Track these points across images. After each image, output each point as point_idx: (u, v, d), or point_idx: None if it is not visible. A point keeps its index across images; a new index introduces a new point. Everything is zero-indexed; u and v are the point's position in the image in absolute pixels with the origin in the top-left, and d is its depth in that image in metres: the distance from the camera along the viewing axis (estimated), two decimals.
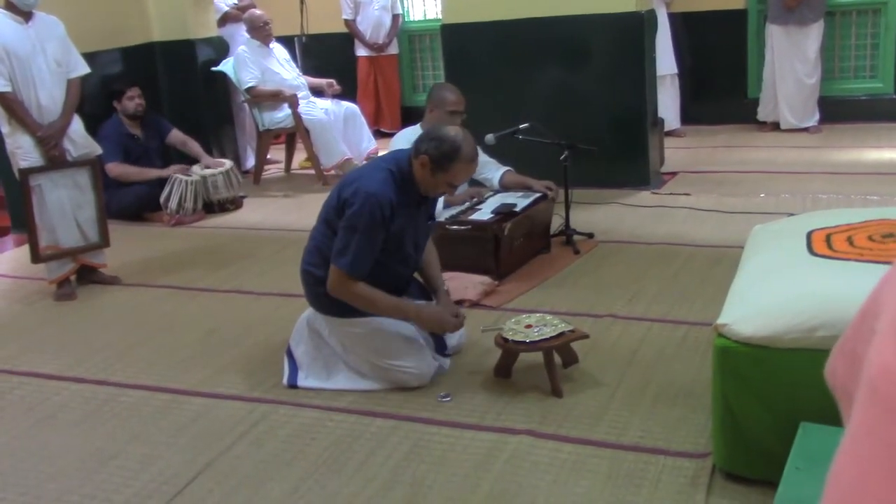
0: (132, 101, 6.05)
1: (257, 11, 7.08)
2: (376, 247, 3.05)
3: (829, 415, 2.07)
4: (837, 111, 7.51)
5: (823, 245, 2.57)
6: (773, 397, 2.29)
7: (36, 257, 4.50)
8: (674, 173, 6.30)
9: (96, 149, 4.69)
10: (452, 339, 3.40)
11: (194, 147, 6.32)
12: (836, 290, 2.25)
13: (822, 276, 2.36)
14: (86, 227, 4.60)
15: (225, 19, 7.51)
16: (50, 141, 4.34)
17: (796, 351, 2.23)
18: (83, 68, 4.54)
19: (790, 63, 7.27)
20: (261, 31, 6.95)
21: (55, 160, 4.39)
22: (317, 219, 3.24)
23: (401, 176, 3.09)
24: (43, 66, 4.32)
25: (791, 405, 2.24)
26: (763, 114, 7.60)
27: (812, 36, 7.20)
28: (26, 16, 4.32)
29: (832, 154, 6.61)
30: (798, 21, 7.15)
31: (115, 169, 5.94)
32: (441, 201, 4.45)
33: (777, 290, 2.39)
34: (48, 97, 4.35)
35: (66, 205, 4.49)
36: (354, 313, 3.15)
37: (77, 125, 4.53)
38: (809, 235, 2.68)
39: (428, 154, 3.04)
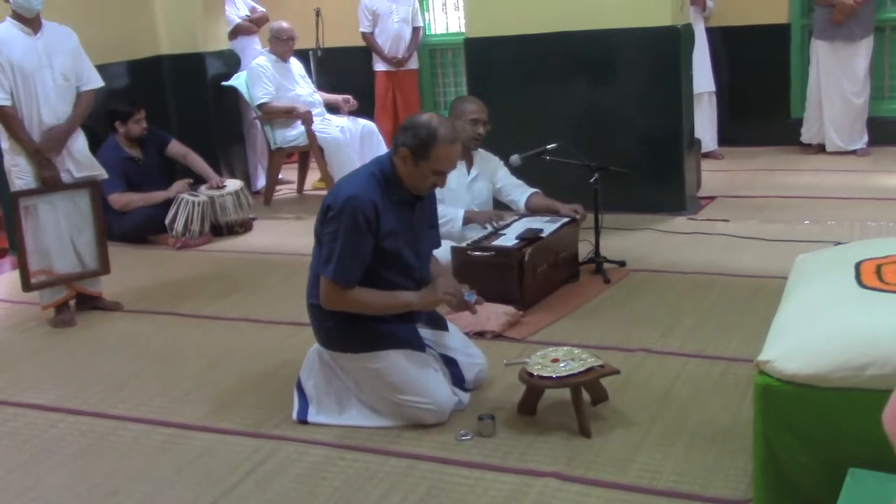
0: (139, 124, 6.07)
1: (285, 24, 7.11)
2: (363, 252, 3.07)
3: (881, 460, 2.06)
4: (887, 133, 7.48)
5: (873, 277, 2.55)
6: (820, 440, 2.26)
7: (27, 285, 4.51)
8: (711, 198, 6.28)
9: (100, 171, 4.70)
10: (471, 373, 3.39)
11: (196, 161, 6.33)
12: (887, 325, 2.23)
13: (872, 310, 2.34)
14: (84, 253, 4.62)
15: (236, 32, 7.60)
16: (47, 151, 4.36)
17: (844, 391, 2.20)
18: (97, 81, 4.58)
19: (837, 81, 7.24)
20: (283, 46, 7.00)
21: (47, 182, 4.41)
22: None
23: (384, 177, 3.14)
24: (48, 81, 4.37)
25: (839, 449, 2.21)
26: (807, 135, 7.57)
27: (861, 52, 7.18)
28: (35, 26, 4.37)
29: (882, 179, 6.57)
30: (846, 37, 7.13)
31: (119, 200, 5.96)
32: (460, 219, 4.46)
33: (824, 324, 2.36)
34: (51, 114, 4.39)
35: (62, 227, 4.51)
36: (365, 348, 3.16)
37: (81, 143, 4.56)
38: (858, 266, 2.66)
39: (406, 145, 3.10)
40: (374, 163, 3.24)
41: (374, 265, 3.11)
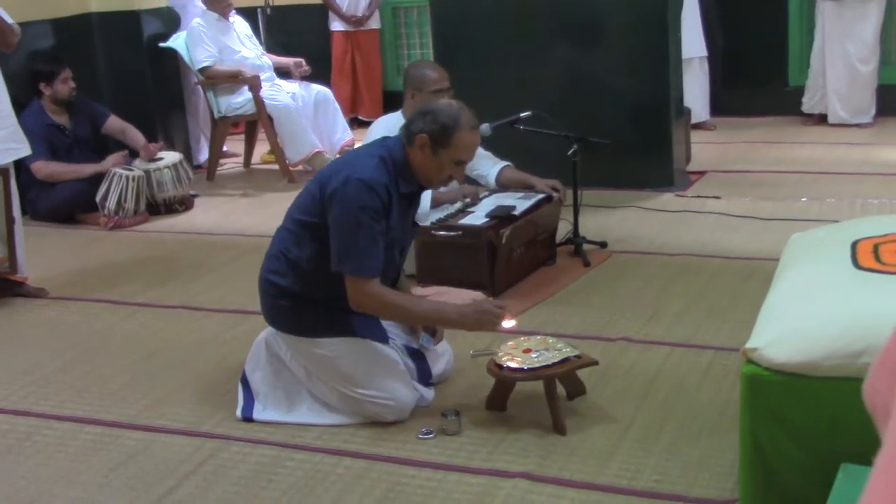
0: (66, 84, 6.03)
1: None
2: (381, 239, 3.05)
3: (875, 455, 2.10)
4: (894, 102, 7.54)
5: (870, 257, 2.59)
6: (810, 434, 2.30)
7: None
8: (702, 172, 6.34)
9: (23, 145, 4.63)
10: (438, 366, 3.41)
11: (134, 136, 6.31)
12: (883, 309, 2.26)
13: (868, 292, 2.38)
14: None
15: None
16: None
17: (837, 380, 2.24)
18: (7, 18, 4.46)
19: (842, 46, 7.26)
20: (218, 2, 6.96)
21: None
22: (284, 219, 3.26)
23: (394, 165, 3.10)
24: None
25: (830, 443, 2.25)
26: (809, 104, 7.62)
27: (871, 14, 7.20)
28: None
29: (886, 152, 6.66)
30: None
31: (44, 169, 5.92)
32: (427, 201, 4.46)
33: (816, 308, 2.40)
34: None
35: None
36: (319, 332, 3.16)
37: (5, 105, 4.49)
38: (854, 246, 2.70)
39: (425, 132, 3.07)
40: (382, 147, 3.17)
41: None
